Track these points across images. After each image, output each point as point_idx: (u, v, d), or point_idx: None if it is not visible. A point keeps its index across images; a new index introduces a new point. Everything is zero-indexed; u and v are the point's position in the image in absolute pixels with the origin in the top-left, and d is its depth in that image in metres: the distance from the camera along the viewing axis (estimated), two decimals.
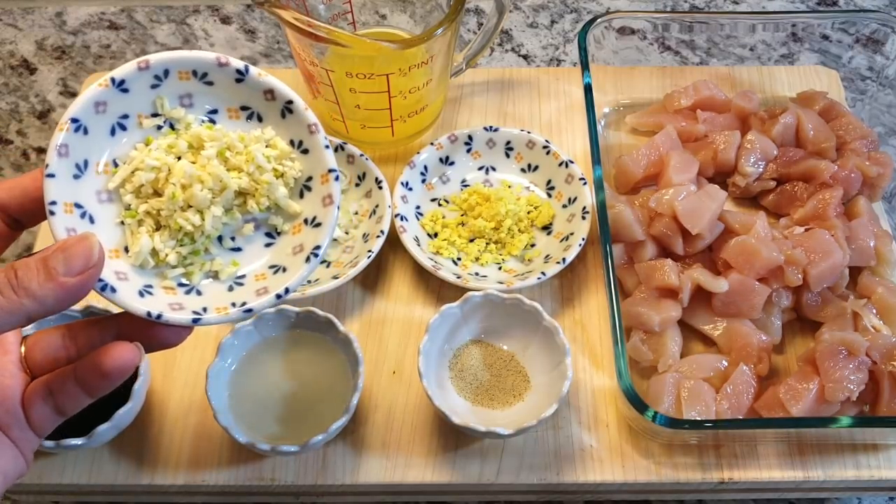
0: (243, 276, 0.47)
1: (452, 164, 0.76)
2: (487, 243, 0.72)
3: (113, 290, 0.41)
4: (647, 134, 0.80)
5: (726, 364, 0.64)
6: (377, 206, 0.71)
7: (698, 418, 0.61)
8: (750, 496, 0.66)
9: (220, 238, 0.47)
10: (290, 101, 0.47)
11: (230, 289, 0.46)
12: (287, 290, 0.45)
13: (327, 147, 0.47)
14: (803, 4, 0.99)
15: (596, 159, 0.68)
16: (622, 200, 0.71)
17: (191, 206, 0.45)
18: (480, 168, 0.77)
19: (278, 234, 0.48)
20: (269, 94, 0.47)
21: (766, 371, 0.65)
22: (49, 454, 0.62)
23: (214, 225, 0.45)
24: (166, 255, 0.45)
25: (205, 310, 0.43)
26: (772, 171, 0.74)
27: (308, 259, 0.45)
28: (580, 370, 0.66)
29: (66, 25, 0.96)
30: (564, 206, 0.73)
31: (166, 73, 0.46)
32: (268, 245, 0.47)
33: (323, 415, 0.61)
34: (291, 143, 0.48)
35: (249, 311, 0.44)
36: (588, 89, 0.72)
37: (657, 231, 0.69)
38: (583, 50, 0.73)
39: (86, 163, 0.44)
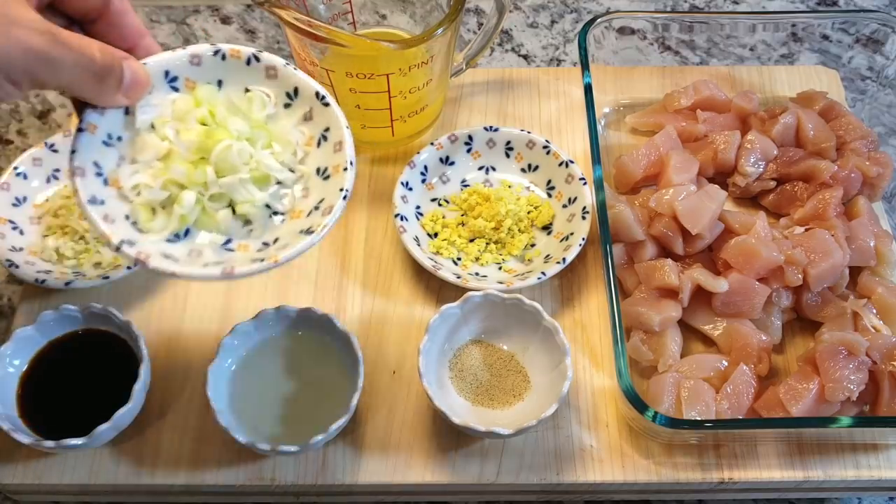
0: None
1: (452, 163, 0.76)
2: (487, 243, 0.72)
3: (17, 266, 0.66)
4: (647, 134, 0.80)
5: (726, 364, 0.64)
6: (327, 128, 0.52)
7: (698, 418, 0.61)
8: (750, 496, 0.66)
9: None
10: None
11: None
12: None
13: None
14: (803, 4, 0.99)
15: (596, 159, 0.68)
16: (622, 200, 0.71)
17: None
18: (480, 168, 0.77)
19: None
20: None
21: (766, 371, 0.65)
22: (49, 454, 0.62)
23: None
24: (64, 252, 0.68)
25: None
26: (772, 171, 0.74)
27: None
28: (580, 370, 0.66)
29: None
30: (564, 206, 0.73)
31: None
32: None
33: (323, 415, 0.61)
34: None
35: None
36: (588, 89, 0.72)
37: (657, 231, 0.69)
38: (583, 50, 0.73)
39: (25, 198, 0.71)
